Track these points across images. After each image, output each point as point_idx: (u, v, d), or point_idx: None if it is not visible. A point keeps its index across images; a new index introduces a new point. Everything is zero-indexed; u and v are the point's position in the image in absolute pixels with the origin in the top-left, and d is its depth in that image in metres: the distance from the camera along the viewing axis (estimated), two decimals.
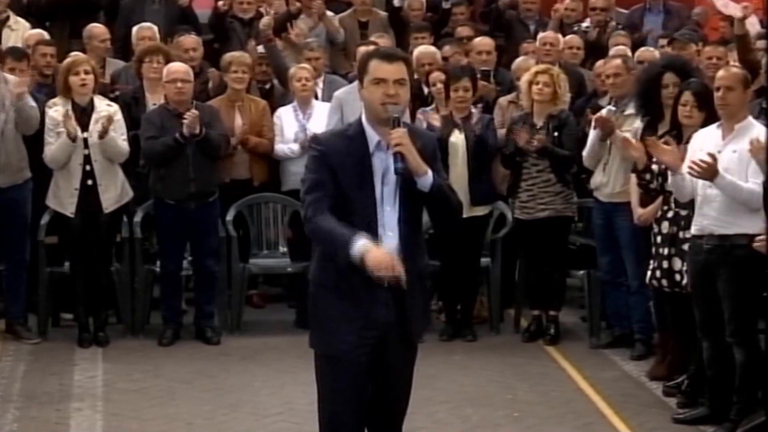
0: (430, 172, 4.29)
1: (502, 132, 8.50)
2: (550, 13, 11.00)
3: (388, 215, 4.34)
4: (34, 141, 8.08)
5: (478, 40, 9.77)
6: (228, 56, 8.95)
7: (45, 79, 8.80)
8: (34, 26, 9.90)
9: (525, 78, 8.27)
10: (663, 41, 9.85)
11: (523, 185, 8.26)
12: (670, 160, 6.29)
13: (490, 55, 9.56)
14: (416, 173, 4.26)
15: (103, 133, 7.85)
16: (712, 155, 6.01)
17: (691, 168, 6.02)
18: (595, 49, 9.84)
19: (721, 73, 6.40)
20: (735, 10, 9.58)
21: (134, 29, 9.66)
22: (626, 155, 7.44)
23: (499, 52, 9.80)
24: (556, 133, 8.15)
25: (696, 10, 11.08)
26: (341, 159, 4.32)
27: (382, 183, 4.33)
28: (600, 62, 8.88)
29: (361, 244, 4.16)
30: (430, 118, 8.39)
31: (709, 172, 5.98)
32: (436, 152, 4.54)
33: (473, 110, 8.47)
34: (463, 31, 10.24)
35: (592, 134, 7.85)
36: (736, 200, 6.01)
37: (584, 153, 7.96)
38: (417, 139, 4.34)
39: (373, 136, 4.35)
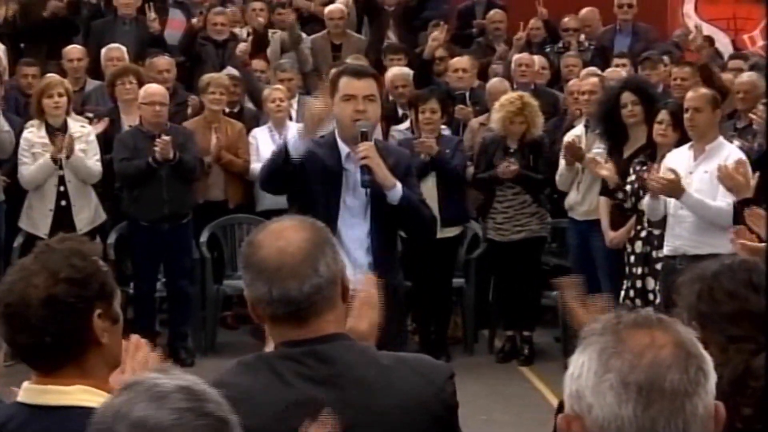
0: (399, 185, 4.31)
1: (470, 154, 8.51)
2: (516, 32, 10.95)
3: (358, 228, 4.35)
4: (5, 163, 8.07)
5: (454, 59, 9.72)
6: (206, 77, 8.92)
7: (27, 98, 8.73)
8: (8, 48, 9.86)
9: (500, 102, 8.26)
10: (620, 60, 9.84)
11: (499, 207, 8.25)
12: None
13: (467, 74, 9.48)
14: (384, 186, 4.28)
15: (69, 153, 7.82)
16: (674, 171, 6.04)
17: (654, 185, 6.06)
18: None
19: (690, 94, 6.46)
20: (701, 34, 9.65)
21: (103, 50, 9.63)
22: (596, 175, 7.45)
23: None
24: (531, 156, 8.17)
25: (677, 32, 11.10)
26: (312, 166, 4.37)
27: (353, 196, 4.35)
28: (573, 81, 8.88)
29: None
30: (427, 145, 8.06)
31: (671, 188, 6.00)
32: (410, 169, 4.57)
33: (443, 131, 8.45)
34: (438, 53, 10.25)
35: (563, 161, 7.88)
36: (704, 219, 6.04)
37: (557, 177, 7.99)
38: (389, 155, 4.38)
39: (344, 149, 4.39)
